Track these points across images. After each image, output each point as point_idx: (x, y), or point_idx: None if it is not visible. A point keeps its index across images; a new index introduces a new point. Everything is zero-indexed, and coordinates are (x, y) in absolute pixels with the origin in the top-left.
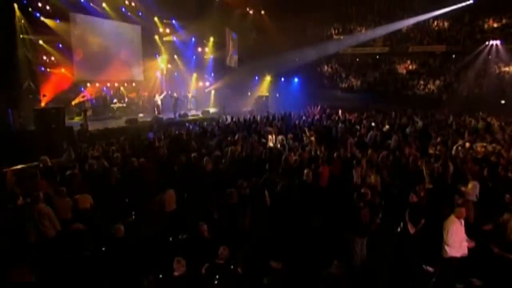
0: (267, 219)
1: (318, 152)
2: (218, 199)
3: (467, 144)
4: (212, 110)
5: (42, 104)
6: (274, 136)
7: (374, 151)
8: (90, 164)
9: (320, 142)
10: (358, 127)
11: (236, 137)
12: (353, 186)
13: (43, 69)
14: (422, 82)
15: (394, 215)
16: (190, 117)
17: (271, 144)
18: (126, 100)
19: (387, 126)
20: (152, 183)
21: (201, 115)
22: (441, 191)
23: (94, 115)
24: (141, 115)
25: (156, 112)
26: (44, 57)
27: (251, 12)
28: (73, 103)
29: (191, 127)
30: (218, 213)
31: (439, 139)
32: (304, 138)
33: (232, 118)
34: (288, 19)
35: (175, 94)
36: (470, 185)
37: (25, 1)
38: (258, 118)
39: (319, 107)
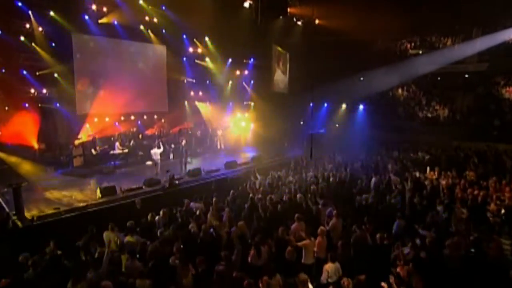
0: None
1: None
2: None
3: None
4: (247, 153)
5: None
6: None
7: None
8: None
9: None
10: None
11: None
12: None
13: (27, 105)
14: None
15: None
16: (206, 175)
17: None
18: (132, 143)
19: None
20: None
21: (224, 169)
22: None
23: (85, 167)
24: (148, 163)
25: (155, 170)
26: (32, 91)
27: (299, 23)
28: (76, 142)
29: (191, 205)
30: None
31: None
32: None
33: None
34: (348, 32)
35: (183, 142)
36: None
37: None
38: (292, 188)
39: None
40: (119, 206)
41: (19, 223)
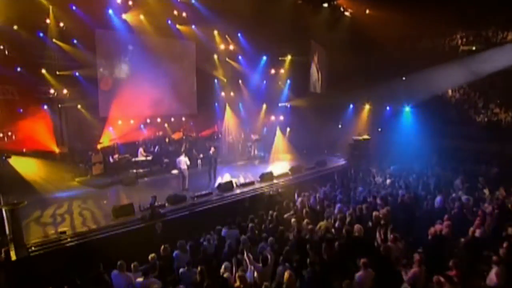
0: None
1: None
2: None
3: None
4: (284, 162)
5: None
6: None
7: None
8: None
9: None
10: None
11: None
12: None
13: (45, 107)
14: None
15: None
16: (239, 190)
17: None
18: (157, 149)
19: None
20: None
21: (259, 182)
22: None
23: (105, 175)
24: (174, 171)
25: (182, 184)
26: (52, 91)
27: (347, 13)
28: (98, 146)
29: (223, 232)
30: None
31: None
32: None
33: None
34: (395, 25)
35: (212, 149)
36: None
37: None
38: (346, 213)
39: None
40: (137, 231)
41: (13, 254)
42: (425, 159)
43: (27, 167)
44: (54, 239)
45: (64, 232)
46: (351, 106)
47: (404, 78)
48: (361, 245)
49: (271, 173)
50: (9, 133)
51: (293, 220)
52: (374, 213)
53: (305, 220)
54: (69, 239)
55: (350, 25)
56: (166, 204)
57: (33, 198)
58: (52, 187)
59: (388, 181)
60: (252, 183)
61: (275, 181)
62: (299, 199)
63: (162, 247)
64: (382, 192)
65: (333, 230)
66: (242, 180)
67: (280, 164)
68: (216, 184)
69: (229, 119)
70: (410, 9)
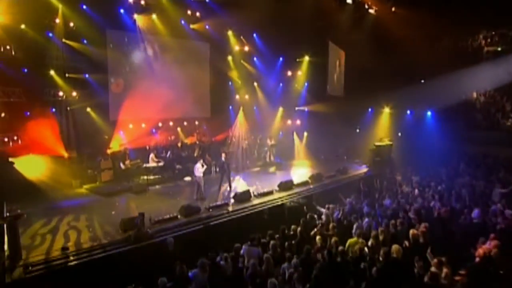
0: None
1: None
2: None
3: None
4: (301, 169)
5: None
6: None
7: None
8: None
9: None
10: None
11: None
12: None
13: (53, 110)
14: None
15: None
16: (257, 201)
17: None
18: (169, 154)
19: None
20: None
21: (278, 191)
22: None
23: (114, 182)
24: (187, 178)
25: (196, 193)
26: (60, 93)
27: (372, 11)
28: (108, 151)
29: (242, 251)
30: None
31: None
32: None
33: None
34: (419, 25)
35: (223, 155)
36: None
37: None
38: (377, 229)
39: None
40: (147, 247)
41: (7, 276)
42: (450, 166)
43: (33, 173)
44: (55, 257)
45: (67, 249)
46: (370, 110)
47: (423, 81)
48: (401, 270)
49: (290, 181)
50: (15, 137)
51: (318, 237)
52: (411, 231)
53: (334, 239)
54: (71, 258)
55: (374, 24)
56: (179, 216)
57: (39, 207)
58: (59, 194)
59: (416, 191)
60: (270, 192)
61: (295, 190)
62: (324, 211)
63: (178, 267)
64: (414, 204)
65: (365, 248)
66: (259, 189)
67: (298, 171)
68: (232, 194)
69: (241, 123)
70: (440, 6)
